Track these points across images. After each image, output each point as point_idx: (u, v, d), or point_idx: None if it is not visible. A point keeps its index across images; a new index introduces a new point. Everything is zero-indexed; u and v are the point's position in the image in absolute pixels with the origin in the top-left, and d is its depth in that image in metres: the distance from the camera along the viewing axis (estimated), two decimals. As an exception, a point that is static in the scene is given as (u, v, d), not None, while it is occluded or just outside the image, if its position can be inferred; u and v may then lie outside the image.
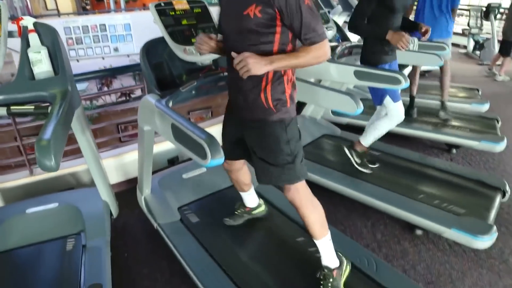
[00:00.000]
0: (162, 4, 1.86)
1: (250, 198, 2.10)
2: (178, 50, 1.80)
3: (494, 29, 6.84)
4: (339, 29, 3.43)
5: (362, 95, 3.73)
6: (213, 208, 2.29)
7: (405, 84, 2.16)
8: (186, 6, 1.93)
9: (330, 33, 3.05)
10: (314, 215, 1.59)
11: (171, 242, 1.98)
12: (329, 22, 3.13)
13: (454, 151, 3.38)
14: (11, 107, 1.47)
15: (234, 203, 2.17)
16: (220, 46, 1.54)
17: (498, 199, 2.36)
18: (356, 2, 2.45)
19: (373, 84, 2.36)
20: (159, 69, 1.87)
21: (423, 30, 2.44)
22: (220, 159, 1.16)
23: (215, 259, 1.87)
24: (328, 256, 1.65)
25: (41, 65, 1.57)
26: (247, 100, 1.48)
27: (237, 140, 1.66)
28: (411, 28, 2.54)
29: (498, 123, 3.59)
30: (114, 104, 5.88)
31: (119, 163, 2.76)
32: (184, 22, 1.88)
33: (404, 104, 2.56)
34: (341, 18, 4.45)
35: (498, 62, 6.23)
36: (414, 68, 3.90)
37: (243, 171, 1.94)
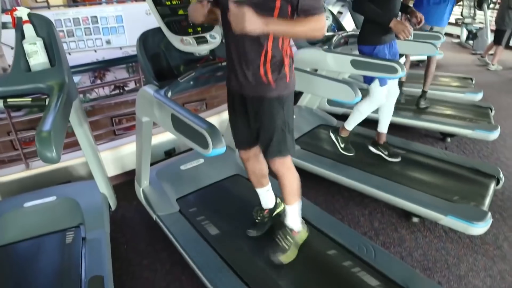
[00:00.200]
0: (158, -6, 1.83)
1: (268, 196, 2.01)
2: (175, 40, 1.79)
3: (487, 18, 6.86)
4: (334, 18, 3.41)
5: (357, 85, 3.73)
6: (212, 199, 2.30)
7: (402, 72, 2.17)
8: (182, -5, 1.90)
9: (326, 22, 3.03)
10: (292, 185, 1.72)
11: (171, 233, 1.99)
12: (325, 12, 3.11)
13: (448, 139, 3.42)
14: (8, 100, 1.45)
15: (233, 193, 2.17)
16: (212, 15, 1.52)
17: (492, 187, 2.40)
18: None
19: (370, 73, 2.36)
20: (156, 60, 1.85)
21: (417, 19, 2.44)
22: (221, 148, 1.16)
23: (215, 249, 1.88)
24: (294, 219, 1.81)
25: (37, 57, 1.55)
26: (246, 76, 1.50)
27: (245, 125, 1.68)
28: (403, 11, 2.56)
29: (491, 112, 3.63)
30: (108, 97, 5.82)
31: (116, 156, 2.75)
32: (181, 12, 1.86)
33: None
34: (335, 7, 4.44)
35: (491, 52, 6.28)
36: (406, 57, 3.91)
37: (260, 159, 1.87)
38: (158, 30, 1.83)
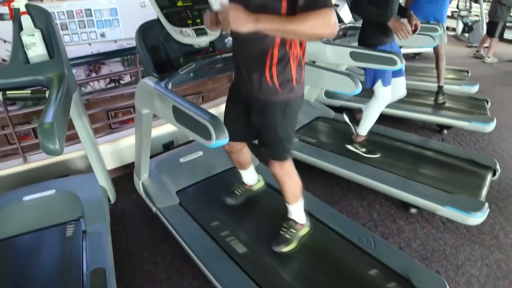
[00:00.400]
0: (157, -15, 1.81)
1: (250, 175, 2.13)
2: (175, 32, 1.77)
3: (483, 11, 6.87)
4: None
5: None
6: (212, 191, 2.30)
7: (401, 64, 2.18)
8: (181, -13, 1.89)
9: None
10: (292, 190, 1.74)
11: (171, 226, 1.99)
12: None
13: (445, 131, 3.45)
14: (7, 92, 1.44)
15: (233, 185, 2.18)
16: None
17: (489, 178, 2.43)
18: None
19: (369, 65, 2.36)
20: (156, 52, 1.83)
21: (413, 27, 2.41)
22: (225, 139, 1.16)
23: (216, 240, 1.89)
24: (298, 215, 1.84)
25: (36, 48, 1.53)
26: (251, 79, 1.48)
27: (240, 122, 1.68)
28: (400, 13, 2.55)
29: (487, 104, 3.66)
30: (103, 90, 5.77)
31: (114, 149, 2.74)
32: (180, 3, 1.85)
33: None
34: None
35: (486, 44, 6.30)
36: None
37: (244, 151, 1.95)
38: (157, 21, 1.81)
